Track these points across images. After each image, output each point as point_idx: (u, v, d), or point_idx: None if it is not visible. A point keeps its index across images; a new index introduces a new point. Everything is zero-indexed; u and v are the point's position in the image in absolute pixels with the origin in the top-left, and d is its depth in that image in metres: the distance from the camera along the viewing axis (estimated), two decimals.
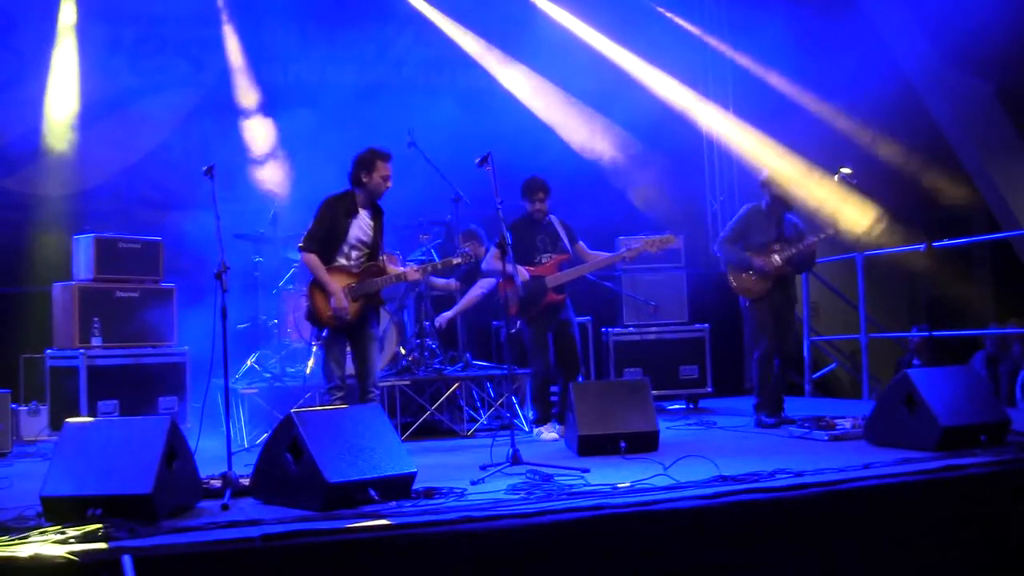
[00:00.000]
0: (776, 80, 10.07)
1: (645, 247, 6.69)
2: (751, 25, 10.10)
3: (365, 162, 5.73)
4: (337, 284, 5.67)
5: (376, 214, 5.87)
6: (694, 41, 10.64)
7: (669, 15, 10.43)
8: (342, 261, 5.76)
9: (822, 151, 10.09)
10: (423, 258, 7.69)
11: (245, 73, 9.07)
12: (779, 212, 6.88)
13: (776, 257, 6.74)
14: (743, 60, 10.42)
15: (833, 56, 9.65)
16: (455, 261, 5.96)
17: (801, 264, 6.90)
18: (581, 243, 6.77)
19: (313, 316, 5.75)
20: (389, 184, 5.77)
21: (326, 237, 5.73)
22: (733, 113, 10.60)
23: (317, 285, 5.71)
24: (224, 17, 9.04)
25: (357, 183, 5.77)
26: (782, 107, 10.20)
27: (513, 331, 7.40)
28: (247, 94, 9.01)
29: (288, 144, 8.71)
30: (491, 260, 6.61)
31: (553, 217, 6.75)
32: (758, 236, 6.86)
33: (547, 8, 10.12)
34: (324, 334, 5.74)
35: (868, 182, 7.22)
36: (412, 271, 5.87)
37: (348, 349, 5.83)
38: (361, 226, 5.79)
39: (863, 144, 9.81)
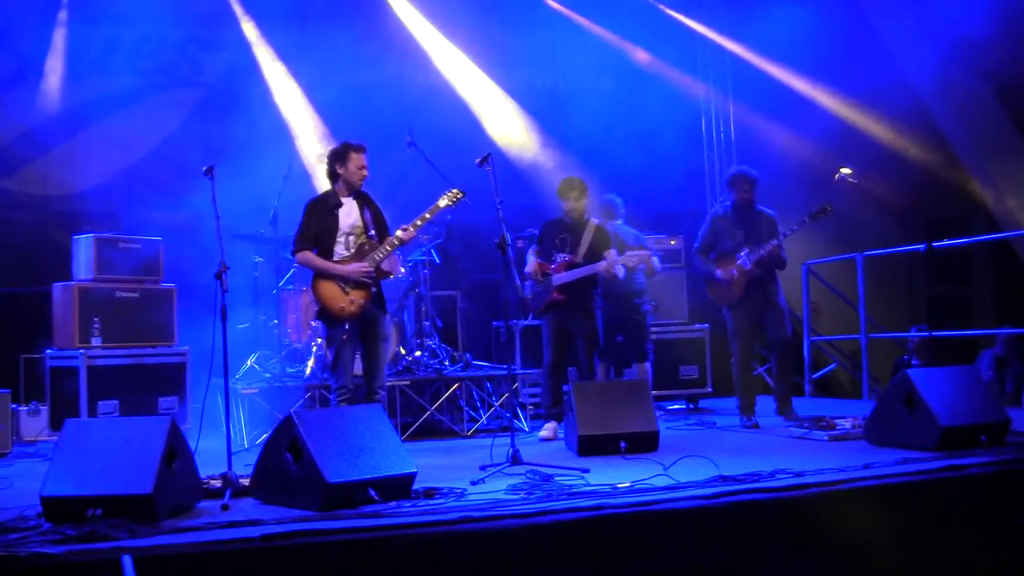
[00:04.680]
0: (777, 77, 10.08)
1: (624, 262, 6.65)
2: (752, 24, 10.10)
3: (339, 155, 5.83)
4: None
5: (362, 200, 5.88)
6: (695, 39, 10.65)
7: (672, 13, 10.44)
8: (343, 252, 5.77)
9: (822, 149, 10.14)
10: (423, 258, 7.70)
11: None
12: (746, 212, 6.87)
13: (742, 263, 6.73)
14: (743, 56, 10.44)
15: (834, 55, 9.66)
16: (442, 204, 5.93)
17: (771, 263, 6.83)
18: (610, 251, 6.72)
19: (325, 313, 5.71)
20: (365, 173, 5.82)
21: (318, 234, 5.75)
22: (733, 112, 10.61)
23: (320, 278, 5.70)
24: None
25: (334, 177, 5.86)
26: (782, 106, 10.21)
27: (517, 325, 7.49)
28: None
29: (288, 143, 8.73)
30: (530, 264, 6.82)
31: (594, 220, 6.81)
32: (727, 241, 6.88)
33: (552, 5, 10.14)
34: (346, 328, 5.64)
35: (867, 181, 7.22)
36: (402, 231, 5.77)
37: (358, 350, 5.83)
38: (349, 213, 5.82)
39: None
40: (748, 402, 6.86)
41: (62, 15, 8.60)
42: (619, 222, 7.74)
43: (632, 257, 6.70)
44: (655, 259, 7.33)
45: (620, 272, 6.75)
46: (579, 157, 9.47)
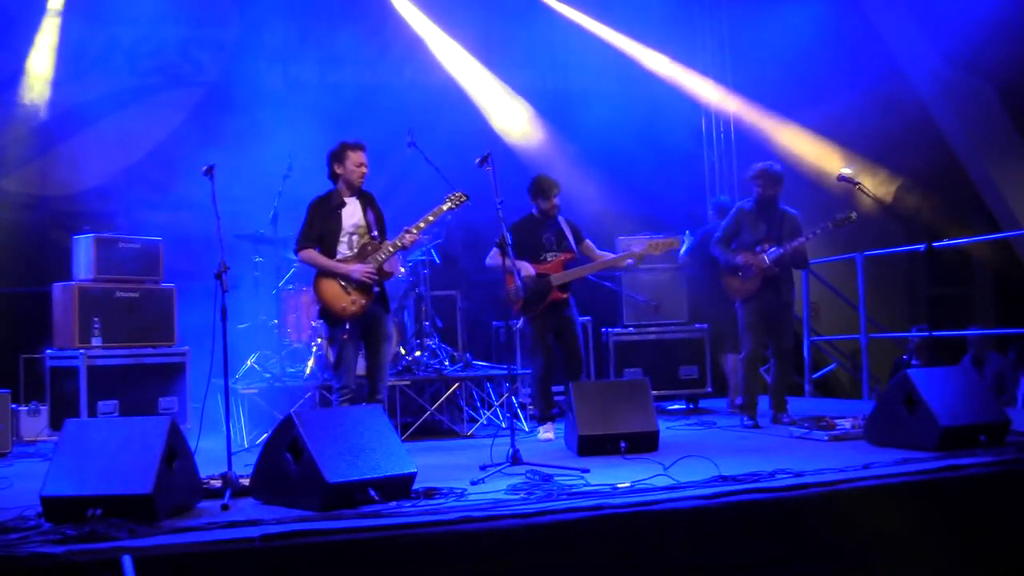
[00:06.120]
0: (777, 78, 10.09)
1: (649, 250, 6.64)
2: (752, 24, 10.11)
3: (336, 155, 5.83)
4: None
5: (364, 200, 5.89)
6: (693, 33, 10.65)
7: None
8: (346, 252, 5.77)
9: (823, 150, 10.15)
10: (423, 258, 7.70)
11: None
12: (769, 208, 6.87)
13: (763, 257, 6.75)
14: (744, 57, 10.46)
15: (833, 56, 9.66)
16: (445, 207, 5.92)
17: (791, 263, 6.87)
18: (588, 242, 6.75)
19: (327, 313, 5.71)
20: (364, 170, 5.81)
21: (322, 234, 5.76)
22: (734, 112, 10.62)
23: (323, 277, 5.70)
24: None
25: (334, 177, 5.86)
26: (783, 105, 10.21)
27: (516, 327, 7.42)
28: None
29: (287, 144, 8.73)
30: (494, 257, 6.62)
31: (560, 217, 6.75)
32: (748, 235, 6.89)
33: (555, 6, 10.14)
34: (347, 328, 5.64)
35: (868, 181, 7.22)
36: (405, 235, 5.76)
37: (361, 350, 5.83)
38: (352, 213, 5.83)
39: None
40: (751, 401, 6.86)
41: (57, 20, 8.59)
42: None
43: (657, 245, 6.64)
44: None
45: (630, 262, 6.78)
46: (580, 157, 9.48)
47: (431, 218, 5.87)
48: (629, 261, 6.72)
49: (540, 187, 6.66)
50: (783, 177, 6.90)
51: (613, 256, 6.78)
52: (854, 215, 6.72)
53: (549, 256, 6.61)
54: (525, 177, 6.89)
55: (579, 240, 6.72)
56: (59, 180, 8.56)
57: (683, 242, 8.10)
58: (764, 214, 6.88)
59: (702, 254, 7.87)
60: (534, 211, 6.73)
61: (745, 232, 6.90)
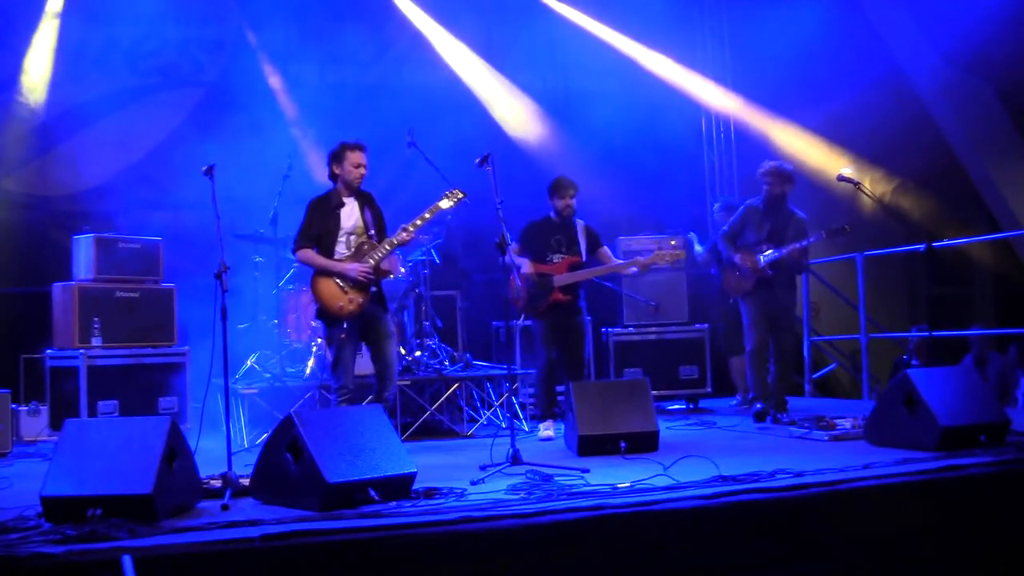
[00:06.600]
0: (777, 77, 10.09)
1: (655, 260, 6.66)
2: (752, 24, 10.11)
3: (335, 155, 5.84)
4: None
5: (363, 200, 5.90)
6: (693, 33, 10.65)
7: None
8: (344, 252, 5.78)
9: (823, 149, 10.15)
10: (423, 258, 7.70)
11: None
12: (777, 208, 6.87)
13: (758, 259, 6.76)
14: (743, 57, 10.45)
15: (833, 56, 9.66)
16: (443, 205, 5.90)
17: (788, 268, 6.87)
18: (605, 249, 6.79)
19: (324, 312, 5.71)
20: (362, 171, 5.81)
21: (320, 234, 5.77)
22: (734, 112, 10.61)
23: (320, 276, 5.70)
24: None
25: (334, 177, 5.87)
26: (783, 105, 10.21)
27: (517, 327, 7.43)
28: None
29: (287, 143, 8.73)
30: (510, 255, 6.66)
31: (579, 220, 6.76)
32: (752, 234, 6.91)
33: (555, 6, 10.14)
34: (344, 327, 5.64)
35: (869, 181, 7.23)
36: (402, 232, 5.76)
37: (361, 350, 5.83)
38: (350, 214, 5.84)
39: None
40: (763, 393, 6.88)
41: (55, 22, 8.59)
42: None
43: (664, 256, 6.68)
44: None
45: (634, 270, 6.78)
46: (580, 157, 9.48)
47: (428, 215, 5.87)
48: (633, 270, 6.75)
49: (554, 187, 6.71)
50: (793, 176, 6.90)
51: (619, 263, 6.85)
52: (848, 227, 6.73)
53: (555, 258, 6.63)
54: (526, 178, 6.91)
55: (596, 246, 6.75)
56: (59, 180, 8.57)
57: (691, 244, 8.13)
58: (771, 214, 6.88)
59: (717, 255, 7.92)
60: (551, 213, 6.75)
61: (749, 231, 6.92)
